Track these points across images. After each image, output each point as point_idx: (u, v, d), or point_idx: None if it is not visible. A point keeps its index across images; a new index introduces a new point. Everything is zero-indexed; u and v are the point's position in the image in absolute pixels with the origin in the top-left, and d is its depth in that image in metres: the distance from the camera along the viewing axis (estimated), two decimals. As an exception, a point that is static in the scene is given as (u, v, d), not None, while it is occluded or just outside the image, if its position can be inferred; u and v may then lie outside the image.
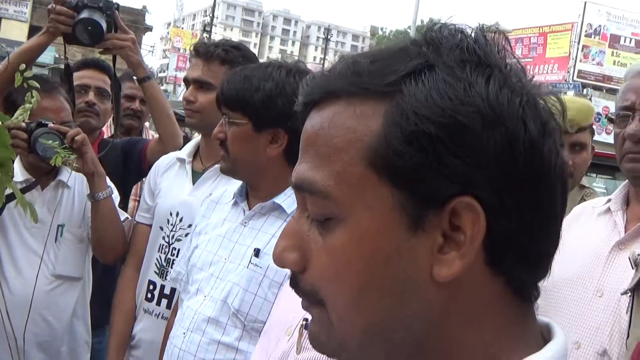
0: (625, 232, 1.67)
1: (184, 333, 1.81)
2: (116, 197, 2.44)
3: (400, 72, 0.62)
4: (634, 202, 1.73)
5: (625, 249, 1.58)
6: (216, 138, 1.89)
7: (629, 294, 1.36)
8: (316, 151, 0.65)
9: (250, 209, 1.91)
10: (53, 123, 2.30)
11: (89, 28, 2.45)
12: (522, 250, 0.62)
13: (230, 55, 2.34)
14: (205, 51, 2.35)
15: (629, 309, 1.38)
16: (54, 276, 2.35)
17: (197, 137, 2.44)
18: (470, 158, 0.59)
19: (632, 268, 1.35)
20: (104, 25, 2.48)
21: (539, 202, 0.61)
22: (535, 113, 0.62)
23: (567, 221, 1.91)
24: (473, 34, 0.65)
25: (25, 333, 2.27)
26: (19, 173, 2.43)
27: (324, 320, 0.66)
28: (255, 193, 1.93)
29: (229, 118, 1.86)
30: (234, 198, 1.96)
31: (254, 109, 1.81)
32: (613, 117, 1.74)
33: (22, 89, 2.41)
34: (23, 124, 2.15)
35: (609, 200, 1.76)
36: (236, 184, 1.98)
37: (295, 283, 0.67)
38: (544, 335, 0.67)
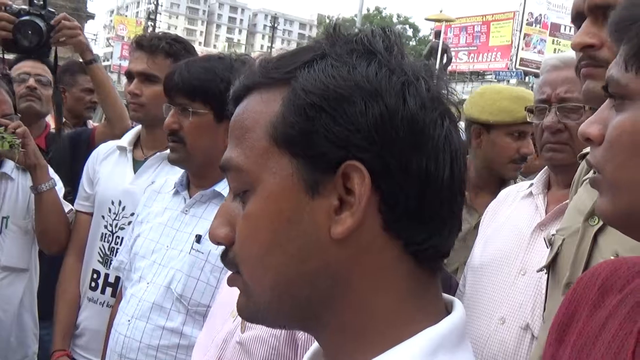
0: (545, 214, 1.78)
1: (129, 320, 1.84)
2: (60, 188, 2.44)
3: (298, 62, 0.73)
4: (554, 186, 1.84)
5: (546, 230, 1.69)
6: (169, 128, 1.89)
7: (545, 271, 1.46)
8: (234, 135, 0.76)
9: (191, 198, 1.95)
10: None
11: (29, 32, 2.45)
12: (412, 211, 0.70)
13: (174, 48, 2.37)
14: (149, 44, 2.37)
15: (546, 286, 1.48)
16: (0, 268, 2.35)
17: (137, 126, 2.45)
18: (352, 125, 0.68)
19: (547, 247, 1.45)
20: (44, 29, 2.48)
21: (423, 166, 0.70)
22: (416, 91, 0.71)
23: (494, 203, 2.01)
24: (369, 29, 0.76)
25: None
26: None
27: (241, 286, 0.74)
28: (198, 182, 1.96)
29: (187, 108, 1.87)
30: (174, 187, 2.00)
31: (217, 99, 1.82)
32: (532, 109, 1.84)
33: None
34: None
35: (532, 185, 1.87)
36: (177, 174, 2.02)
37: (224, 256, 0.75)
38: (448, 310, 0.74)
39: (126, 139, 2.42)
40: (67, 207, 2.48)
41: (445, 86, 0.75)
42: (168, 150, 2.20)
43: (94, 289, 2.30)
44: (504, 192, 1.99)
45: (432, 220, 0.71)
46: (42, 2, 2.52)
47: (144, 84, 2.35)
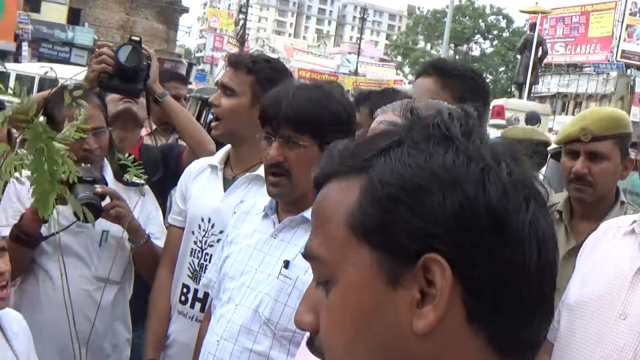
0: None
1: (218, 341, 1.88)
2: (157, 209, 2.56)
3: (375, 149, 0.73)
4: None
5: None
6: (275, 161, 1.89)
7: None
8: (315, 223, 0.77)
9: (280, 222, 1.97)
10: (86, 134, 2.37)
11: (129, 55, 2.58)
12: (497, 302, 0.68)
13: (257, 66, 2.41)
14: (234, 60, 2.45)
15: None
16: (95, 278, 2.45)
17: (227, 145, 2.50)
18: (431, 217, 0.67)
19: None
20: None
21: (507, 255, 0.67)
22: (497, 177, 0.69)
23: (592, 238, 1.92)
24: (446, 113, 0.74)
25: (70, 331, 2.38)
26: None
27: None
28: (287, 207, 1.98)
29: (294, 140, 1.89)
30: (264, 210, 2.02)
31: (325, 131, 1.86)
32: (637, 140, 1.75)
33: (57, 100, 2.51)
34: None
35: (634, 222, 1.77)
36: (265, 195, 2.04)
37: (311, 343, 0.76)
38: None
39: (217, 158, 2.47)
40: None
41: (532, 166, 0.73)
42: (258, 172, 2.24)
43: (183, 302, 2.36)
44: (603, 226, 1.90)
45: (519, 310, 0.69)
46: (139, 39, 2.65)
47: (223, 96, 2.42)
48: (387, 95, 2.69)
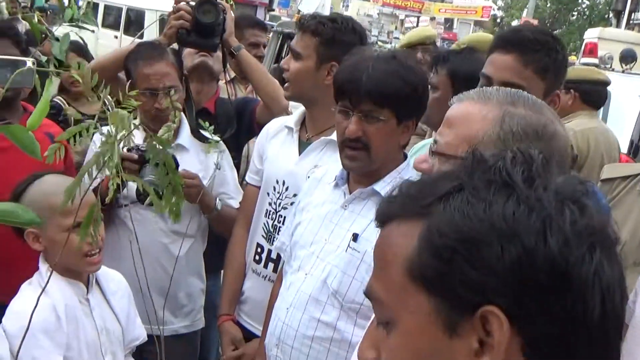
0: None
1: (287, 308, 1.96)
2: (231, 166, 2.66)
3: (435, 195, 0.73)
4: None
5: None
6: (356, 136, 1.91)
7: None
8: (377, 264, 0.79)
9: (350, 193, 2.00)
10: (157, 91, 2.45)
11: (209, 10, 2.62)
12: (557, 354, 0.68)
13: (321, 27, 2.38)
14: (301, 23, 2.45)
15: None
16: (171, 231, 2.57)
17: (302, 107, 2.52)
18: (488, 269, 0.68)
19: None
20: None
21: (568, 308, 0.67)
22: (558, 228, 0.68)
23: None
24: (509, 156, 0.74)
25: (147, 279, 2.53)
26: (138, 135, 2.62)
27: None
28: (359, 178, 2.01)
29: (374, 115, 1.90)
30: (335, 180, 2.05)
31: (404, 104, 1.90)
32: None
33: (134, 57, 2.57)
34: (135, 156, 2.37)
35: None
36: (339, 162, 2.06)
37: None
38: None
39: (293, 119, 2.50)
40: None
41: (601, 209, 0.72)
42: (332, 136, 2.26)
43: (257, 262, 2.45)
44: None
45: None
46: None
47: (292, 59, 2.43)
48: (466, 56, 2.62)
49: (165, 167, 1.22)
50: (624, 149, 5.48)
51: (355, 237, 1.92)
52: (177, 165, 2.38)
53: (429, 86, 2.78)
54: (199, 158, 2.65)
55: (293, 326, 1.93)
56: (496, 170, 0.72)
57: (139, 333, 2.14)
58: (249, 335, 2.41)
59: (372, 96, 1.88)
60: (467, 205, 0.70)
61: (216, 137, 2.63)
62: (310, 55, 2.38)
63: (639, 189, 2.58)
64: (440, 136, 1.32)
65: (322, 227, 2.01)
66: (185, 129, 2.69)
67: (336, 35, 2.37)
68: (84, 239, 1.29)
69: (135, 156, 2.40)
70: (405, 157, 2.06)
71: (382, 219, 0.79)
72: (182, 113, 2.70)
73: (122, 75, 2.65)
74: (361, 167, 1.96)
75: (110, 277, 2.11)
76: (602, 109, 5.99)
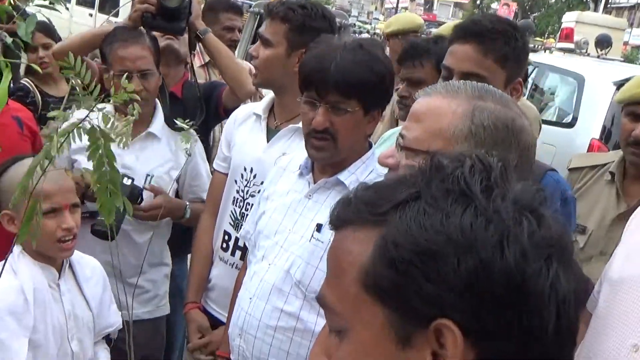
0: None
1: (250, 298, 1.96)
2: (200, 151, 2.66)
3: (392, 202, 0.71)
4: None
5: None
6: (323, 127, 1.88)
7: None
8: (330, 270, 0.77)
9: (315, 182, 1.99)
10: (131, 74, 2.41)
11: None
12: None
13: (291, 14, 2.35)
14: (269, 10, 2.42)
15: None
16: (134, 219, 2.52)
17: (272, 93, 2.50)
18: (444, 283, 0.66)
19: None
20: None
21: (523, 323, 0.66)
22: (516, 240, 0.67)
23: (636, 216, 1.87)
24: (468, 164, 0.72)
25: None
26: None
27: None
28: (323, 168, 2.00)
29: (341, 106, 1.87)
30: (299, 169, 2.04)
31: (371, 95, 1.88)
32: None
33: (109, 40, 2.53)
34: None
35: None
36: (304, 151, 2.05)
37: None
38: None
39: (261, 106, 2.48)
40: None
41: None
42: (300, 124, 2.24)
43: (225, 249, 2.44)
44: None
45: None
46: None
47: (261, 46, 2.40)
48: (445, 45, 2.61)
49: (102, 159, 1.18)
50: (597, 134, 5.52)
51: (319, 227, 1.92)
52: (141, 195, 2.41)
53: (412, 81, 2.76)
54: (170, 147, 2.63)
55: (256, 316, 1.93)
56: (454, 179, 0.70)
57: (114, 320, 2.13)
58: (215, 323, 2.40)
59: (340, 88, 1.86)
60: (424, 215, 0.68)
61: (187, 124, 2.60)
62: (280, 42, 2.35)
63: (606, 178, 2.59)
64: (407, 131, 1.30)
65: (286, 216, 2.00)
66: (159, 116, 2.66)
67: (306, 22, 2.33)
68: (24, 235, 1.26)
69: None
70: (370, 146, 2.05)
71: (337, 224, 0.77)
72: (156, 100, 2.67)
73: (94, 61, 2.61)
74: (327, 158, 1.95)
75: (86, 263, 2.09)
76: (575, 95, 6.05)
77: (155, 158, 2.59)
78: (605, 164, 2.63)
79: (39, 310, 1.84)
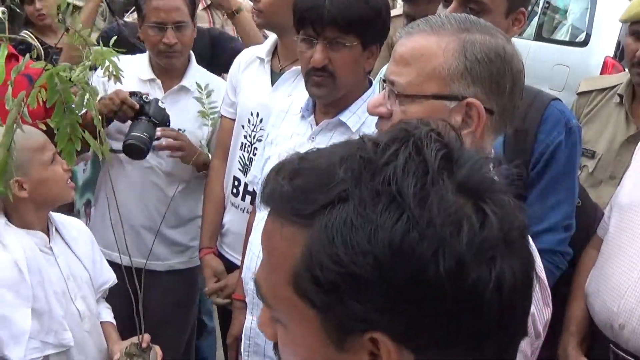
0: None
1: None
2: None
3: (316, 203, 0.63)
4: None
5: None
6: (322, 65, 1.81)
7: None
8: (265, 257, 0.70)
9: (317, 124, 1.92)
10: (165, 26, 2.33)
11: None
12: None
13: None
14: None
15: None
16: (163, 173, 2.51)
17: (274, 35, 2.39)
18: (372, 303, 0.60)
19: None
20: None
21: (464, 334, 0.61)
22: (452, 251, 0.59)
23: None
24: (402, 160, 0.63)
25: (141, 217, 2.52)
26: (145, 70, 2.51)
27: None
28: (325, 108, 1.92)
29: (339, 41, 1.80)
30: (300, 112, 1.96)
31: (369, 28, 1.80)
32: None
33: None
34: (137, 105, 2.31)
35: None
36: (307, 94, 1.97)
37: (275, 346, 0.73)
38: None
39: (264, 49, 2.37)
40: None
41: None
42: None
43: (235, 195, 2.38)
44: None
45: None
46: None
47: None
48: None
49: (63, 106, 1.14)
50: (611, 52, 5.30)
51: None
52: (145, 149, 2.32)
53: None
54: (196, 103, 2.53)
55: None
56: (385, 180, 0.61)
57: (108, 277, 2.08)
58: (231, 266, 2.37)
59: (337, 22, 1.77)
60: (351, 230, 0.60)
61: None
62: None
63: (615, 101, 2.49)
64: (396, 76, 1.20)
65: None
66: (192, 69, 2.58)
67: None
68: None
69: (137, 105, 2.32)
70: (371, 83, 1.96)
71: (266, 205, 0.69)
72: (191, 52, 2.58)
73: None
74: (328, 95, 1.87)
75: (69, 224, 2.03)
76: (589, 12, 5.78)
77: (187, 112, 2.51)
78: (614, 86, 2.50)
79: (35, 278, 1.79)
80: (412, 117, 1.04)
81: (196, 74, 2.56)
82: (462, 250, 0.60)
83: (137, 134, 2.29)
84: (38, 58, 3.44)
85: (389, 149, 0.63)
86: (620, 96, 2.43)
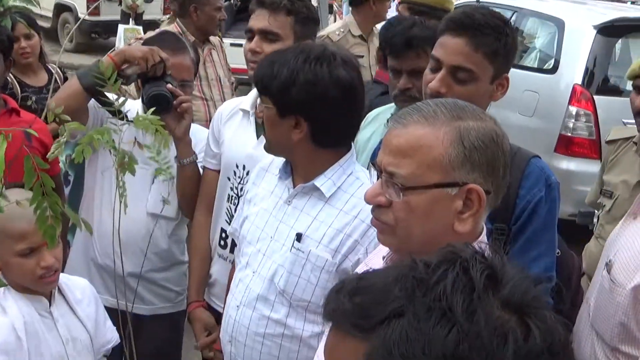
0: None
1: (237, 306, 1.72)
2: (200, 156, 2.26)
3: (375, 318, 0.65)
4: None
5: None
6: (258, 117, 1.73)
7: None
8: None
9: (294, 187, 1.74)
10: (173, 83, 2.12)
11: None
12: None
13: (295, 5, 2.08)
14: (270, 2, 2.10)
15: None
16: (149, 214, 2.26)
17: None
18: None
19: None
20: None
21: None
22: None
23: None
24: (451, 279, 0.65)
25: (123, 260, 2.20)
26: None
27: None
28: (298, 172, 1.75)
29: (261, 100, 1.71)
30: (278, 174, 1.79)
31: (274, 95, 1.65)
32: None
33: (157, 45, 2.17)
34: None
35: None
36: None
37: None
38: None
39: (248, 102, 2.16)
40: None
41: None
42: None
43: (223, 247, 2.17)
44: None
45: None
46: None
47: (264, 41, 2.10)
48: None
49: (42, 188, 1.01)
50: (579, 80, 5.10)
51: (299, 237, 1.66)
52: (171, 100, 2.08)
53: (416, 72, 2.22)
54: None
55: (244, 324, 1.70)
56: (436, 297, 0.64)
57: (111, 336, 1.87)
58: (220, 317, 2.15)
59: (254, 82, 1.75)
60: (407, 342, 0.62)
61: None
62: (288, 35, 2.08)
63: (634, 149, 2.64)
64: (395, 168, 1.14)
65: (267, 223, 1.74)
66: None
67: (309, 13, 2.11)
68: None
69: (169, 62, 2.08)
70: (349, 148, 1.79)
71: (329, 319, 0.72)
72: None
73: None
74: (266, 148, 1.77)
75: (74, 284, 1.83)
76: (556, 40, 5.56)
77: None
78: (634, 136, 2.64)
79: (33, 343, 1.61)
80: (416, 208, 1.13)
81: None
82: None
83: (159, 88, 2.07)
84: (14, 97, 3.19)
85: (438, 270, 0.66)
86: (635, 144, 2.59)
